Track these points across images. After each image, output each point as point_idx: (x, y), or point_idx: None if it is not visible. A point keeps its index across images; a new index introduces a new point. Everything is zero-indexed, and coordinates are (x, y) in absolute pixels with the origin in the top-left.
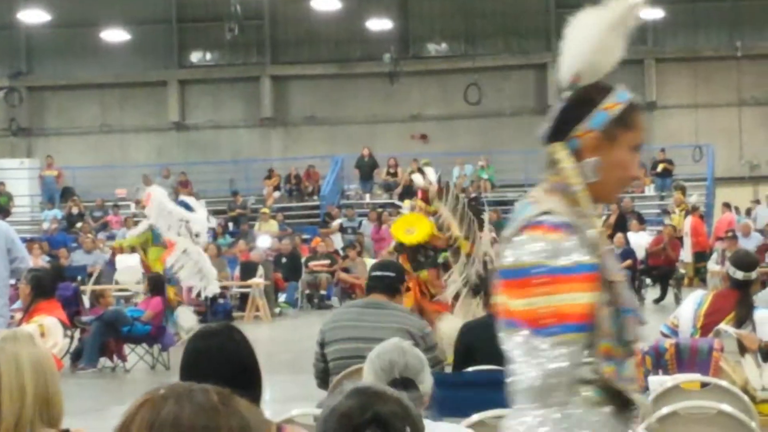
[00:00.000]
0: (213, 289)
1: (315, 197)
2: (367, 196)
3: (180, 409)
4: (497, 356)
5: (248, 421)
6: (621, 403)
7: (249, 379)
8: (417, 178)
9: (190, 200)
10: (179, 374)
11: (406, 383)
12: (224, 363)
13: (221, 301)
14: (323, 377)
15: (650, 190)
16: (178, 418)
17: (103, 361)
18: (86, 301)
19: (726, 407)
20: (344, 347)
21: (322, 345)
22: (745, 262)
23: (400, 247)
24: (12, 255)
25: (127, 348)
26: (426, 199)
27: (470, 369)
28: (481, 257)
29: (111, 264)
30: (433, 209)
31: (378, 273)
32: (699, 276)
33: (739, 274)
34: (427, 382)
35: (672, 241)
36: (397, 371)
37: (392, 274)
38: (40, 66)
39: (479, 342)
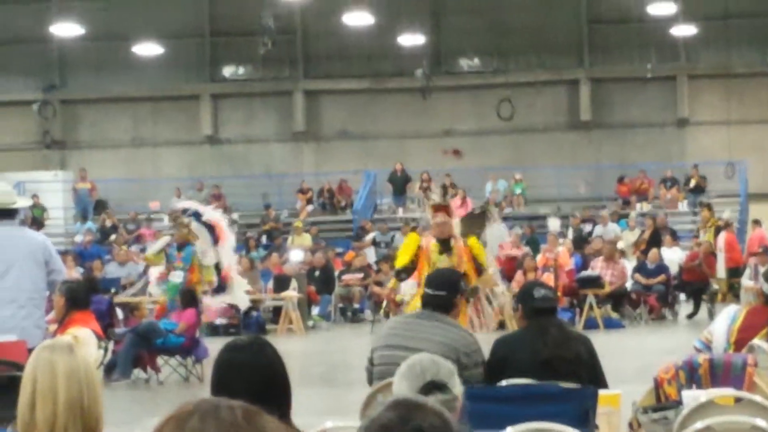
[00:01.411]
0: (241, 301)
1: (348, 211)
2: (400, 210)
3: (203, 426)
4: (531, 370)
5: None
6: None
7: (279, 393)
8: (434, 195)
9: (217, 222)
10: (210, 387)
11: (439, 386)
12: (254, 376)
13: (254, 313)
14: (371, 379)
15: (683, 206)
16: None
17: (137, 373)
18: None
19: (760, 422)
20: (387, 354)
21: (373, 350)
22: None
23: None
24: (49, 267)
25: (160, 360)
26: (448, 214)
27: (504, 383)
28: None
29: (144, 276)
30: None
31: (430, 291)
32: (732, 291)
33: None
34: (458, 388)
35: (707, 257)
36: (429, 375)
37: (443, 293)
38: (73, 79)
39: (513, 356)
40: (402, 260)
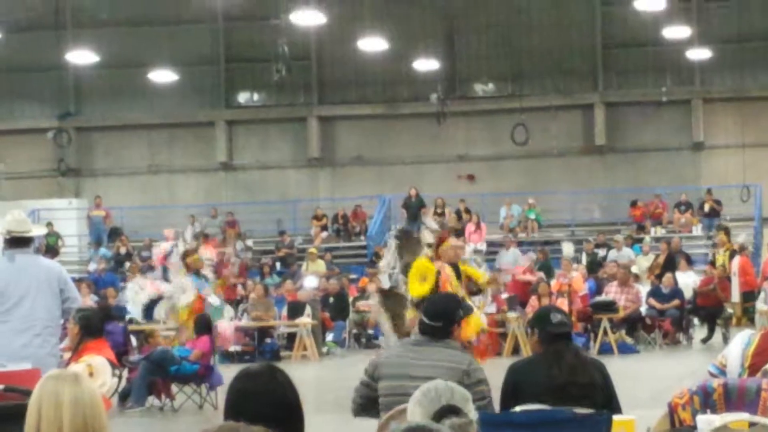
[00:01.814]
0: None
1: (362, 237)
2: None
3: None
4: (546, 395)
5: None
6: None
7: (291, 420)
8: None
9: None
10: (223, 414)
11: (455, 410)
12: (267, 404)
13: (268, 340)
14: (360, 402)
15: (698, 230)
16: None
17: (151, 401)
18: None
19: None
20: (392, 384)
21: (373, 377)
22: None
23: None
24: (64, 295)
25: (174, 387)
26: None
27: (517, 409)
28: None
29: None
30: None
31: (427, 322)
32: (747, 316)
33: None
34: (473, 413)
35: (722, 282)
36: (444, 399)
37: (439, 324)
38: (88, 107)
39: (528, 381)
40: (422, 290)
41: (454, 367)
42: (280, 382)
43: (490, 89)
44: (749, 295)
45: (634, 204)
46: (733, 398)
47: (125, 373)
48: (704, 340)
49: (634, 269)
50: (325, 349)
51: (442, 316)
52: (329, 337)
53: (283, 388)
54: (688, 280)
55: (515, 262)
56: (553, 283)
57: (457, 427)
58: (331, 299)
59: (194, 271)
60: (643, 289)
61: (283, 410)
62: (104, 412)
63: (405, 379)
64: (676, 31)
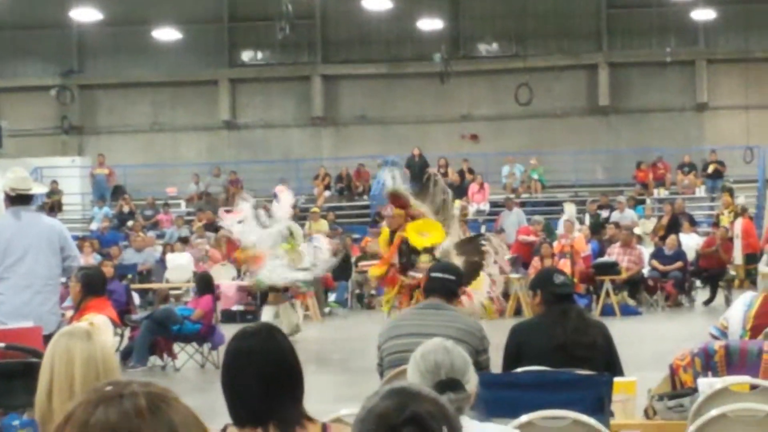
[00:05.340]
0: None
1: (365, 197)
2: None
3: (106, 415)
4: (547, 357)
5: (177, 429)
6: None
7: (290, 379)
8: (388, 180)
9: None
10: (221, 374)
11: (453, 384)
12: (265, 363)
13: None
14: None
15: (701, 192)
16: (104, 423)
17: (153, 360)
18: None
19: None
20: (401, 342)
21: (380, 346)
22: None
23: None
24: (64, 253)
25: (176, 347)
26: (401, 206)
27: (519, 369)
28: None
29: (162, 262)
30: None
31: (438, 275)
32: (749, 278)
33: None
34: (472, 381)
35: (724, 243)
36: (443, 372)
37: (452, 277)
38: (91, 64)
39: (531, 341)
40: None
41: (470, 331)
42: (278, 342)
43: (494, 49)
44: (752, 257)
45: (639, 166)
46: (734, 360)
47: (127, 332)
48: (706, 302)
49: (636, 230)
50: (327, 310)
51: (454, 271)
52: (331, 297)
53: (281, 347)
54: (691, 242)
55: (518, 223)
56: (556, 244)
57: (451, 403)
58: None
59: None
60: (646, 250)
61: (281, 369)
62: (117, 368)
63: (418, 337)
64: None
